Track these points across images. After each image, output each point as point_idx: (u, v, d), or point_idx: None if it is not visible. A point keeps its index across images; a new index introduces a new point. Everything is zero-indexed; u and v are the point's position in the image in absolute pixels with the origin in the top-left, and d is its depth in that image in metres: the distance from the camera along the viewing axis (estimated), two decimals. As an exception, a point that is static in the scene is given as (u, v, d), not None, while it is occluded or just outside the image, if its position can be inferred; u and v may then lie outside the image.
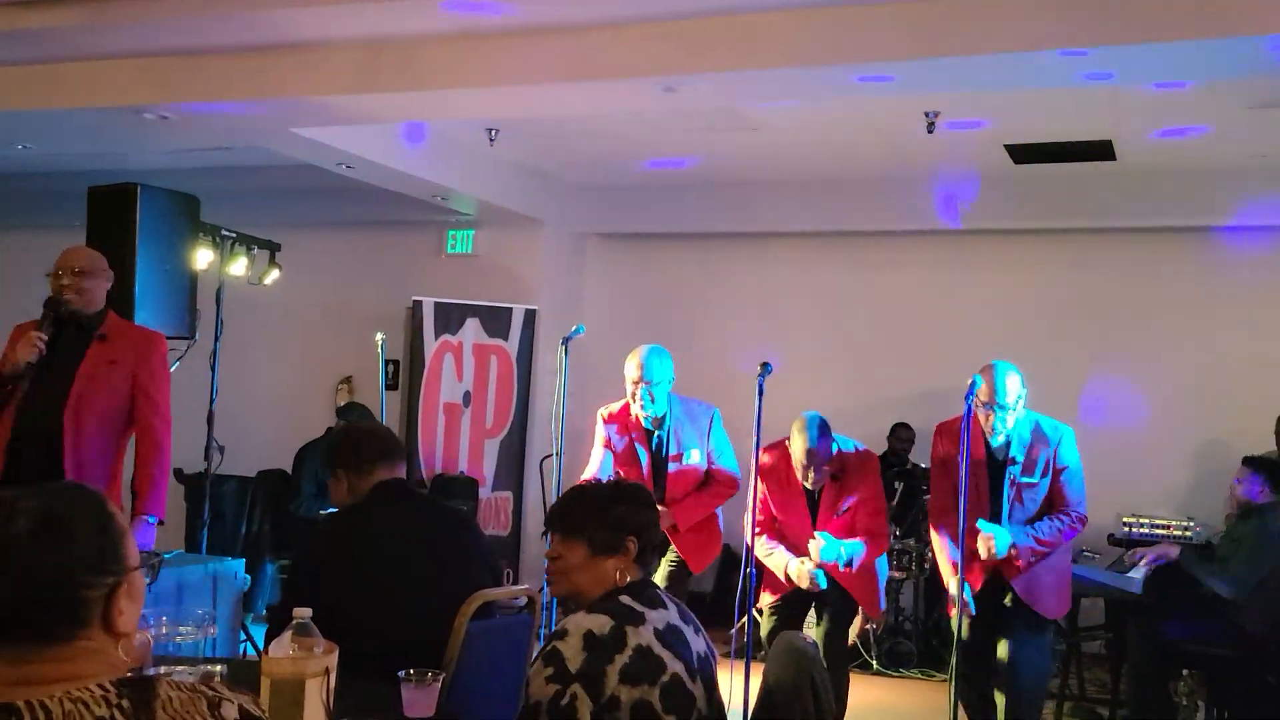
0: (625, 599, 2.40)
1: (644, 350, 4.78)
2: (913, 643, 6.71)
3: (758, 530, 4.72)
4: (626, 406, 4.88)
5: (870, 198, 7.53)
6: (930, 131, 5.83)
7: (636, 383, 4.72)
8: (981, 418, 4.34)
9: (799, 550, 4.71)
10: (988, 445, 4.41)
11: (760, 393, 4.46)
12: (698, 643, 2.44)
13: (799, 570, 4.63)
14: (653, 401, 4.74)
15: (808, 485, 4.65)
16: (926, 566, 6.71)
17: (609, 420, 4.97)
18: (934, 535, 4.61)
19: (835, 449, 4.64)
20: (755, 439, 4.52)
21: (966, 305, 7.47)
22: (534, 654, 3.13)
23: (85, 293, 4.16)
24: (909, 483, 7.08)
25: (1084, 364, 7.21)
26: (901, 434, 7.41)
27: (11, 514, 1.43)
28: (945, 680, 5.35)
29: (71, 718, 1.36)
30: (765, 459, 4.70)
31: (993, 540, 4.30)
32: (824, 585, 4.63)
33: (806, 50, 4.49)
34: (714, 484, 4.89)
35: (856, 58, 4.46)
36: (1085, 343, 7.28)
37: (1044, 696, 4.77)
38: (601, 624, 2.31)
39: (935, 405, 7.25)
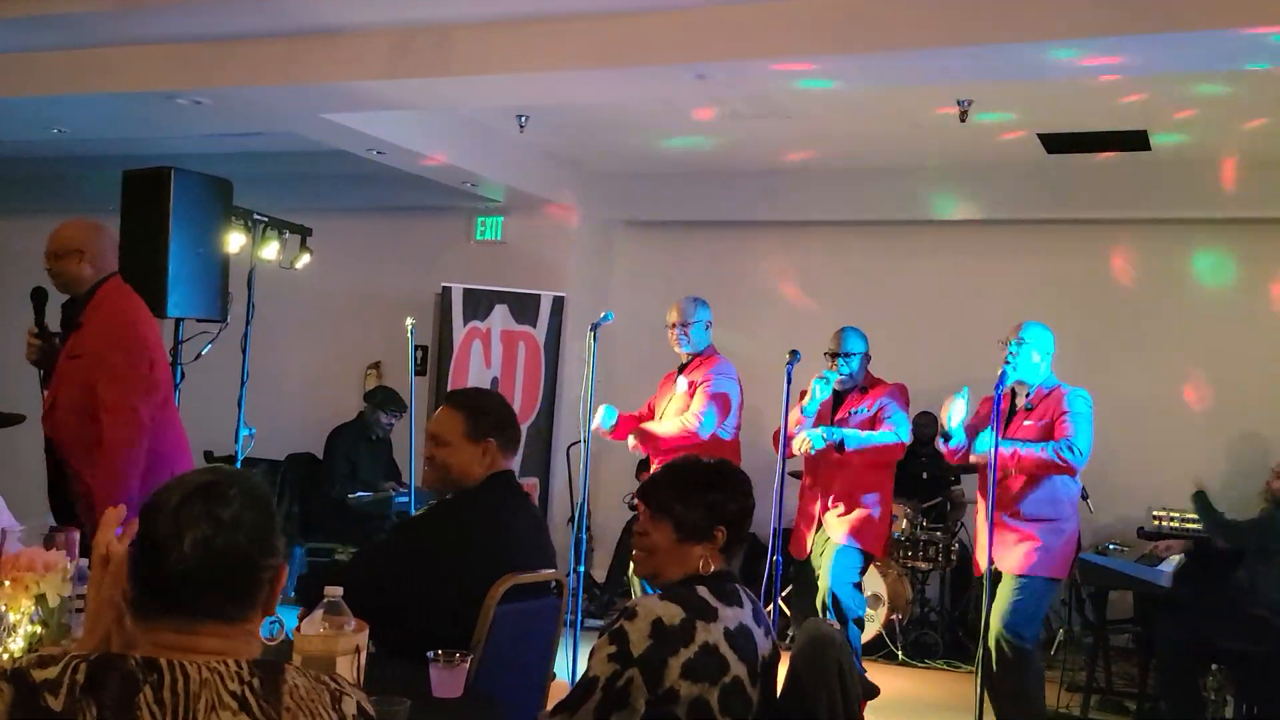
0: (702, 590, 2.36)
1: (683, 297, 5.32)
2: (938, 634, 6.70)
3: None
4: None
5: (901, 186, 7.49)
6: (963, 120, 5.79)
7: (673, 326, 5.22)
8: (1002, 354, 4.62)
9: (817, 473, 5.09)
10: (1012, 401, 4.64)
11: (789, 381, 4.46)
12: (765, 645, 2.42)
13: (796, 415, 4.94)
14: (689, 341, 5.21)
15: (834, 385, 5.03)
16: (953, 558, 6.69)
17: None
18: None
19: (866, 352, 5.13)
20: (783, 427, 4.52)
21: (994, 296, 7.41)
22: (560, 637, 3.16)
23: (60, 276, 3.88)
24: (935, 471, 7.05)
25: (1116, 355, 7.15)
26: (925, 422, 7.36)
27: (221, 501, 1.49)
28: (970, 671, 5.34)
29: (208, 686, 1.40)
30: None
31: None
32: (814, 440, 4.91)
33: (838, 37, 4.47)
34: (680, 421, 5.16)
35: (887, 45, 4.43)
36: (1118, 334, 7.23)
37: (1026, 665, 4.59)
38: (672, 614, 2.28)
39: (964, 395, 7.24)
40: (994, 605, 4.47)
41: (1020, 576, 4.51)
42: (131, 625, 1.50)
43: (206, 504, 1.48)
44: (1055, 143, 6.62)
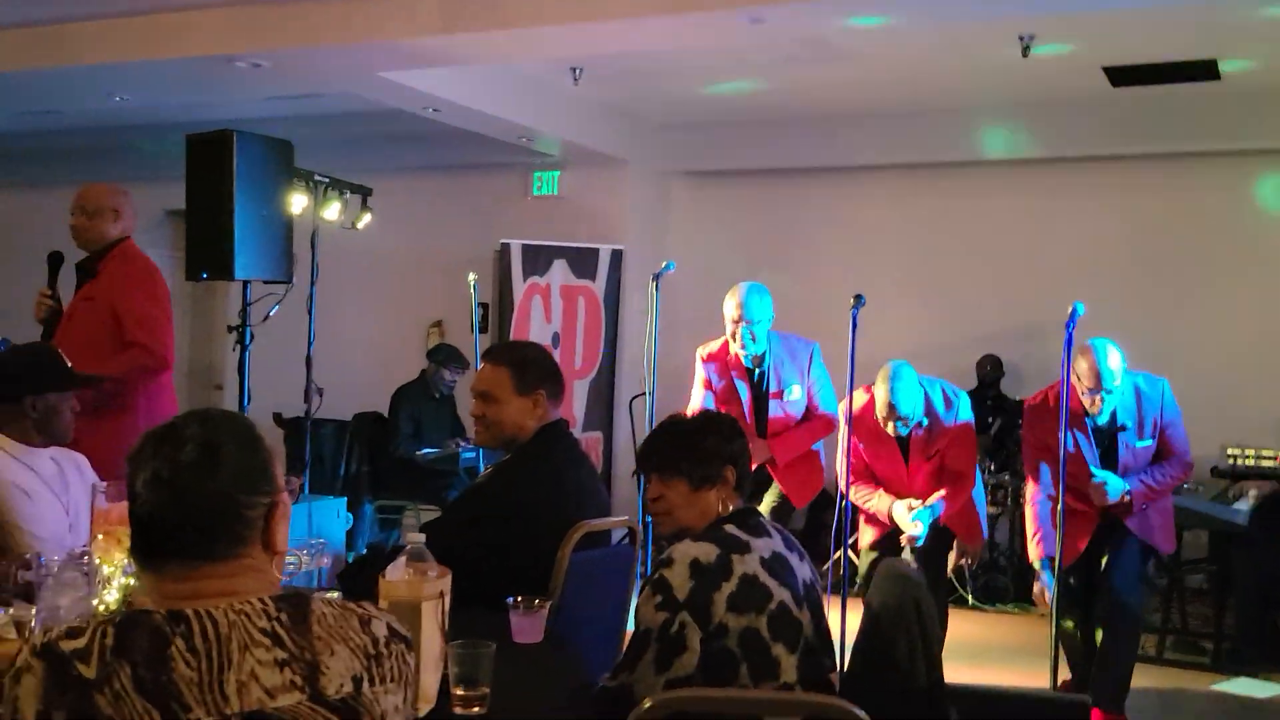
0: (730, 528, 2.42)
1: (743, 289, 4.76)
2: (1008, 577, 6.66)
3: (851, 480, 4.64)
4: (725, 345, 4.88)
5: (960, 127, 7.36)
6: (1025, 56, 5.67)
7: (736, 321, 4.71)
8: (1086, 403, 4.34)
9: (893, 492, 4.64)
10: (1086, 411, 4.40)
11: (854, 325, 4.41)
12: (803, 570, 2.45)
13: (903, 516, 4.54)
14: (754, 341, 4.74)
15: (890, 433, 4.54)
16: (1022, 501, 6.63)
17: (708, 360, 4.98)
18: (1027, 510, 4.66)
19: (924, 396, 4.50)
20: (850, 371, 4.47)
21: (1059, 235, 7.29)
22: (636, 583, 3.19)
23: (84, 232, 4.22)
24: (1004, 417, 6.97)
25: (1184, 291, 7.01)
26: (989, 366, 7.28)
27: (177, 442, 1.49)
28: (1041, 614, 5.31)
29: (236, 628, 1.43)
30: (856, 407, 4.59)
31: (1105, 487, 4.35)
32: (923, 535, 4.54)
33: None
34: (812, 420, 4.91)
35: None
36: (1184, 269, 7.07)
37: (1140, 626, 4.70)
38: (707, 552, 2.33)
39: (1027, 337, 7.14)
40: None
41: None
42: (139, 580, 1.53)
43: (159, 445, 1.49)
44: (1120, 75, 6.45)
